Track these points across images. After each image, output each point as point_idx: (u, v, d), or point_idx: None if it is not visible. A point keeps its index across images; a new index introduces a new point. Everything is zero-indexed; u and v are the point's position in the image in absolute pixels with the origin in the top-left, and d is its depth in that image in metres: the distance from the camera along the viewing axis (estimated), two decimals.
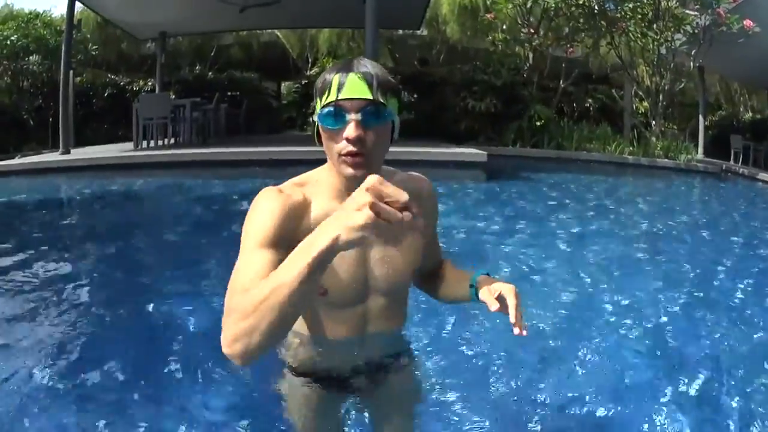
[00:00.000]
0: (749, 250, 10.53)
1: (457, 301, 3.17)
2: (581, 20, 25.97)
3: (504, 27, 28.86)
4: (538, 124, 25.27)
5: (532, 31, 27.05)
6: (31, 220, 11.36)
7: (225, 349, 2.19)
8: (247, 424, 4.06)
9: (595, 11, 25.40)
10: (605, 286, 7.29)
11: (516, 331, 2.58)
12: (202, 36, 35.81)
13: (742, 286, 7.82)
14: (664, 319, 6.26)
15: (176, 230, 10.37)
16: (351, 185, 2.63)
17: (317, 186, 2.85)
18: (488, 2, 31.01)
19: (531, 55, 28.00)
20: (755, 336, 6.09)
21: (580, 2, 25.15)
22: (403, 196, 1.93)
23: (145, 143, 19.28)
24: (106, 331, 5.40)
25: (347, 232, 1.93)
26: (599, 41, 27.38)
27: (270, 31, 37.19)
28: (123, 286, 6.94)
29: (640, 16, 25.42)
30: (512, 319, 2.60)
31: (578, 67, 29.73)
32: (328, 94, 2.60)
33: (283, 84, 37.09)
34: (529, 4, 25.92)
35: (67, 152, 18.01)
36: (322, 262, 2.03)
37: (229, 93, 29.54)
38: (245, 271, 2.42)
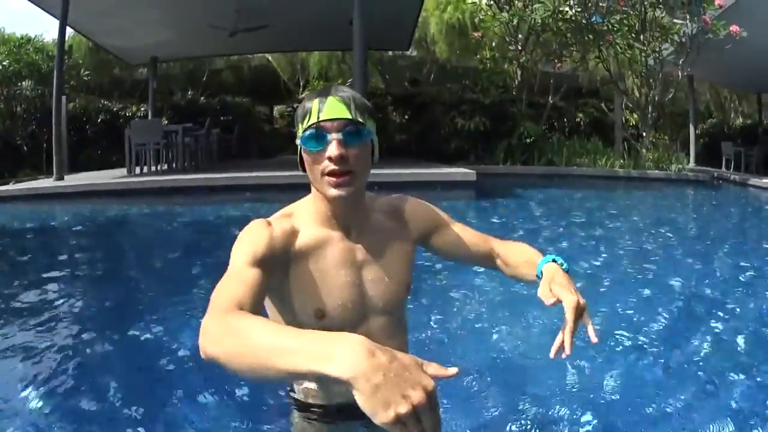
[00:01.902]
0: (740, 256, 10.60)
1: (525, 282, 3.12)
2: (569, 35, 26.05)
3: (492, 45, 29.04)
4: (527, 141, 25.27)
5: (519, 48, 27.13)
6: (23, 246, 11.39)
7: (201, 337, 2.12)
8: None
9: (583, 25, 25.45)
10: (595, 299, 7.11)
11: (552, 354, 2.55)
12: (194, 61, 35.87)
13: (736, 290, 7.97)
14: (657, 327, 6.32)
15: (168, 256, 10.38)
16: (337, 208, 2.83)
17: (304, 215, 2.91)
18: (476, 21, 31.19)
19: (519, 72, 27.99)
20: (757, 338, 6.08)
21: (567, 17, 25.27)
22: (430, 428, 1.58)
23: (138, 169, 19.35)
24: (96, 356, 5.42)
25: (362, 395, 1.56)
26: (587, 55, 27.34)
27: (261, 54, 37.31)
28: (114, 311, 7.00)
29: (627, 28, 25.41)
30: (557, 340, 2.56)
31: (567, 82, 29.88)
32: (309, 118, 2.67)
33: (275, 108, 37.10)
34: (515, 21, 25.96)
35: (61, 178, 18.00)
36: (311, 375, 1.70)
37: (221, 117, 29.59)
38: (235, 284, 2.40)
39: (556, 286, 2.67)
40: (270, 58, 37.87)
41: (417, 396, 1.55)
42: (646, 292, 7.65)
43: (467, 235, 3.32)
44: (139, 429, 4.06)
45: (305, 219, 2.90)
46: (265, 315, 2.79)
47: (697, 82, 35.61)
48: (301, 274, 2.78)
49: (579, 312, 2.58)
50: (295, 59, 37.61)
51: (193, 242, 11.74)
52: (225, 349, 2.00)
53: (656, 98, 26.61)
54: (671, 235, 13.06)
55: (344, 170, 2.69)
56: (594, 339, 2.54)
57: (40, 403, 4.34)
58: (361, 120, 2.72)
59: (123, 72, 35.32)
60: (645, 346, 5.66)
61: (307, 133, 2.66)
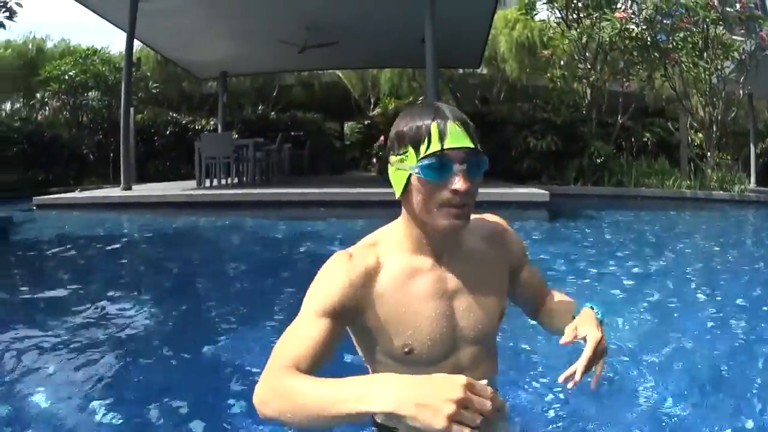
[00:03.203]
0: None
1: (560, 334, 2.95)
2: (635, 53, 25.95)
3: (562, 63, 28.95)
4: (598, 161, 25.03)
5: (589, 66, 26.98)
6: (92, 254, 11.45)
7: (254, 400, 2.26)
8: None
9: (648, 43, 25.32)
10: (664, 324, 6.97)
11: (560, 378, 2.54)
12: (264, 76, 35.99)
13: None
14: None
15: (237, 270, 10.35)
16: (436, 237, 2.71)
17: (391, 243, 2.80)
18: (545, 39, 31.16)
19: (589, 91, 27.83)
20: None
21: (634, 35, 25.13)
22: (486, 407, 1.88)
23: (207, 182, 19.51)
24: (163, 368, 5.37)
25: (414, 418, 1.87)
26: (653, 73, 27.23)
27: (331, 71, 37.35)
28: (179, 324, 6.95)
29: (690, 46, 25.25)
30: (570, 368, 2.54)
31: (634, 101, 29.61)
32: (429, 144, 2.50)
33: (346, 124, 37.12)
34: (584, 39, 25.84)
35: (129, 188, 18.17)
36: (366, 415, 1.99)
37: (292, 133, 29.69)
38: (299, 337, 2.44)
39: (583, 326, 2.70)
40: (340, 75, 37.89)
41: (456, 393, 1.85)
42: (713, 317, 7.32)
43: (537, 279, 3.27)
44: None
45: (393, 247, 2.79)
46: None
47: (756, 101, 35.25)
48: (388, 310, 2.66)
49: (599, 351, 2.61)
50: (365, 76, 37.66)
51: (260, 257, 11.67)
52: (278, 410, 2.19)
53: (719, 117, 26.48)
54: (738, 259, 12.62)
55: (465, 203, 2.60)
56: (593, 386, 2.63)
57: (102, 416, 4.28)
58: (480, 149, 2.62)
59: (191, 85, 35.58)
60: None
61: (428, 162, 2.51)
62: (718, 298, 8.39)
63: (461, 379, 1.89)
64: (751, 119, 33.99)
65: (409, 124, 2.59)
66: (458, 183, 2.49)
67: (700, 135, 30.01)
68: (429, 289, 2.75)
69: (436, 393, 1.85)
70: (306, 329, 2.45)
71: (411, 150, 2.55)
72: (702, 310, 7.62)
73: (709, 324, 6.98)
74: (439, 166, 2.49)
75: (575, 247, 13.29)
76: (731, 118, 27.96)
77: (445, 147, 2.48)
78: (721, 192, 24.47)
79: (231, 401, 4.56)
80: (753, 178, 31.94)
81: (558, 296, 3.22)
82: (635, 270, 10.34)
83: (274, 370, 2.31)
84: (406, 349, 2.65)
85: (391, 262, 2.72)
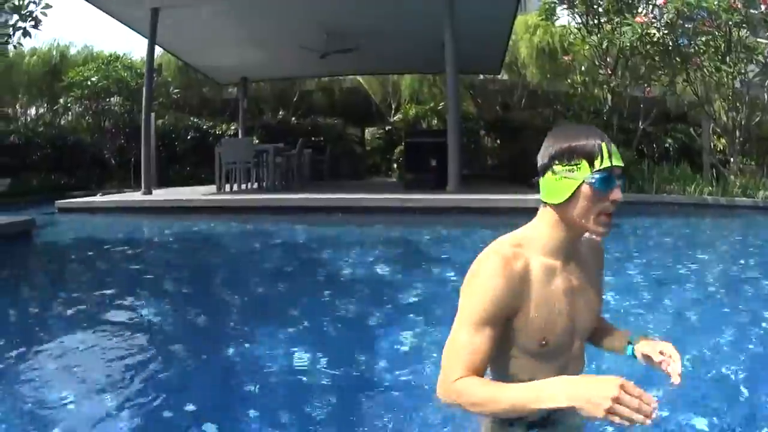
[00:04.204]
0: None
1: (611, 351, 3.41)
2: (656, 58, 25.88)
3: (582, 69, 28.83)
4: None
5: (609, 71, 26.99)
6: (112, 257, 11.56)
7: (443, 397, 2.71)
8: None
9: (670, 48, 25.27)
10: (683, 334, 7.00)
11: (677, 380, 2.88)
12: (284, 81, 36.10)
13: None
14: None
15: (257, 274, 10.40)
16: (576, 242, 3.05)
17: (535, 245, 2.98)
18: (565, 44, 31.17)
19: (610, 97, 27.78)
20: None
21: (655, 40, 25.01)
22: (633, 403, 2.36)
23: (227, 187, 19.56)
24: (181, 371, 5.48)
25: (582, 409, 2.39)
26: (675, 78, 27.01)
27: (352, 77, 37.51)
28: (196, 327, 7.08)
29: (713, 50, 25.10)
30: (677, 368, 2.93)
31: (656, 107, 29.49)
32: (602, 159, 2.78)
33: (366, 130, 37.12)
34: (605, 45, 25.70)
35: (149, 192, 18.35)
36: (538, 410, 2.53)
37: (312, 138, 29.75)
38: (468, 349, 2.73)
39: (653, 342, 3.12)
40: (361, 80, 37.92)
41: (613, 392, 2.31)
42: (733, 326, 7.26)
43: (601, 296, 3.50)
44: None
45: (536, 249, 2.99)
46: None
47: None
48: (531, 308, 2.88)
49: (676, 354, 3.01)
50: (386, 82, 37.70)
51: (279, 262, 11.71)
52: (468, 406, 2.66)
53: (743, 122, 26.25)
54: (759, 267, 12.44)
55: (614, 212, 2.90)
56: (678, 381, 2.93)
57: (119, 416, 4.42)
58: None
59: (212, 91, 35.73)
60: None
61: (601, 175, 2.80)
62: (740, 307, 8.31)
63: (617, 380, 2.36)
64: None
65: (581, 141, 2.83)
66: (618, 194, 2.81)
67: (723, 140, 29.75)
68: (562, 288, 3.00)
69: (599, 391, 2.35)
70: (474, 339, 2.73)
71: (585, 163, 2.80)
72: (724, 319, 7.54)
73: (729, 334, 6.94)
74: (609, 178, 2.79)
75: None
76: (756, 122, 27.80)
77: (614, 164, 2.79)
78: (744, 198, 24.11)
79: (246, 403, 4.73)
80: None
81: (608, 323, 3.53)
82: (654, 275, 10.46)
83: (456, 378, 2.68)
84: (543, 342, 2.90)
85: (534, 264, 2.92)
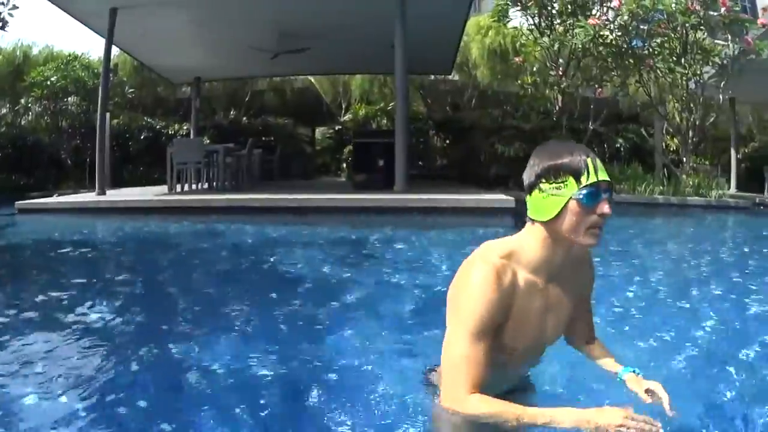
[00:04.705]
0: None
1: (602, 369, 3.72)
2: (609, 59, 25.91)
3: (534, 69, 29.03)
4: None
5: (560, 73, 27.11)
6: (63, 258, 11.54)
7: (450, 405, 2.99)
8: None
9: (623, 49, 25.41)
10: (626, 330, 6.99)
11: (671, 413, 3.15)
12: (237, 81, 36.05)
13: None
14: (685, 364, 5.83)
15: (205, 274, 10.44)
16: (564, 258, 3.26)
17: (521, 260, 3.20)
18: (517, 46, 31.25)
19: (560, 98, 27.88)
20: None
21: (608, 41, 25.17)
22: (654, 428, 2.75)
23: (179, 187, 19.60)
24: (128, 369, 5.46)
25: None
26: (628, 80, 27.23)
27: (303, 76, 37.45)
28: (145, 326, 7.06)
29: (668, 51, 25.27)
30: (666, 405, 3.17)
31: (608, 107, 29.68)
32: (588, 175, 3.02)
33: (317, 130, 37.15)
34: (556, 46, 25.92)
35: (103, 193, 18.32)
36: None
37: (263, 138, 29.75)
38: (470, 362, 2.96)
39: (642, 381, 3.38)
40: (312, 80, 37.98)
41: (618, 420, 2.71)
42: (677, 324, 7.24)
43: (590, 312, 3.89)
44: None
45: (522, 264, 3.20)
46: None
47: (739, 105, 35.36)
48: (511, 321, 3.11)
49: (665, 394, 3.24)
50: (337, 82, 37.74)
51: (227, 261, 11.82)
52: (473, 416, 2.92)
53: (697, 122, 26.39)
54: (705, 265, 12.74)
55: (603, 224, 3.12)
56: (672, 413, 3.18)
57: (67, 415, 4.38)
58: None
59: (166, 90, 35.60)
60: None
61: (588, 190, 3.01)
62: (684, 303, 8.57)
63: (622, 411, 2.76)
64: (732, 124, 34.33)
65: (566, 158, 3.06)
66: (606, 208, 3.03)
67: (676, 140, 30.12)
68: (540, 305, 3.25)
69: (607, 420, 2.73)
70: (474, 350, 2.97)
71: (572, 179, 3.03)
72: (663, 316, 7.71)
73: (672, 331, 6.96)
74: (596, 193, 3.02)
75: None
76: (711, 122, 27.92)
77: (600, 178, 3.03)
78: (697, 198, 24.40)
79: (194, 400, 4.78)
80: (733, 183, 32.24)
81: (604, 348, 3.83)
82: (598, 272, 10.62)
83: (465, 394, 2.94)
84: (511, 354, 3.19)
85: (521, 279, 3.16)
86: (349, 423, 4.21)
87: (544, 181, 3.10)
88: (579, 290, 3.61)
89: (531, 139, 25.08)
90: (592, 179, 3.02)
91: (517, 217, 16.39)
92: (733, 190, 30.99)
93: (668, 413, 3.14)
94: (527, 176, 3.21)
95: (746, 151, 39.61)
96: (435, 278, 9.66)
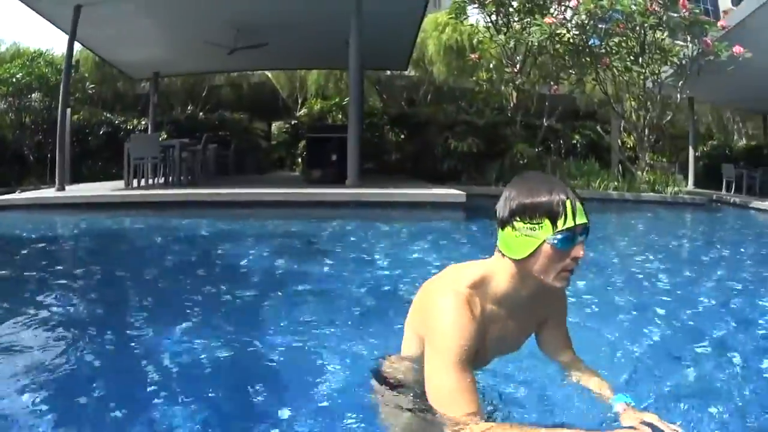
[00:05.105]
0: (732, 281, 10.25)
1: (588, 391, 3.59)
2: (566, 57, 26.26)
3: (491, 66, 29.47)
4: (521, 162, 25.41)
5: (515, 70, 27.37)
6: (21, 254, 11.53)
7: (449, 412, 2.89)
8: None
9: (580, 48, 25.67)
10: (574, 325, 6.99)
11: None
12: (194, 76, 36.03)
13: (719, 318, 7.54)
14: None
15: (157, 267, 10.48)
16: (530, 296, 3.28)
17: (487, 291, 3.23)
18: (474, 42, 31.58)
19: (515, 94, 28.24)
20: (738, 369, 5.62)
21: (565, 40, 25.47)
22: None
23: (135, 182, 19.65)
24: (85, 362, 5.47)
25: None
26: (583, 78, 27.49)
27: (260, 71, 37.52)
28: (102, 319, 7.00)
29: (626, 51, 25.49)
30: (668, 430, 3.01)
31: (565, 104, 30.04)
32: (566, 219, 2.99)
33: (273, 124, 37.20)
34: (512, 44, 26.19)
35: (62, 189, 18.35)
36: None
37: (219, 133, 29.86)
38: (462, 390, 2.91)
39: (636, 414, 3.18)
40: (269, 75, 38.12)
41: None
42: (624, 318, 7.50)
43: (566, 334, 3.86)
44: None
45: (487, 296, 3.24)
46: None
47: (698, 104, 35.82)
48: (477, 345, 3.10)
49: (662, 421, 3.06)
50: (294, 77, 37.87)
51: (181, 256, 11.87)
52: None
53: (654, 121, 26.77)
54: (657, 259, 12.96)
55: (575, 266, 3.12)
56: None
57: (27, 405, 4.44)
58: None
59: (126, 85, 35.53)
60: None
61: (563, 235, 3.00)
62: (621, 298, 8.68)
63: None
64: (691, 122, 34.73)
65: (544, 197, 3.02)
66: (580, 252, 3.04)
67: (633, 138, 30.45)
68: (498, 335, 3.32)
69: None
70: (464, 380, 2.93)
71: (547, 222, 3.00)
72: (612, 310, 7.85)
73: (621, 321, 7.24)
74: (571, 238, 3.01)
75: (489, 247, 13.62)
76: (667, 120, 28.09)
77: (576, 223, 3.01)
78: (652, 193, 24.78)
79: (149, 389, 4.78)
80: (691, 180, 32.76)
81: (590, 370, 3.74)
82: None
83: (468, 423, 2.84)
84: (482, 359, 3.34)
85: (488, 310, 3.21)
86: (294, 410, 4.32)
87: (518, 219, 3.07)
88: (539, 316, 3.68)
89: (484, 134, 25.71)
90: (569, 224, 3.00)
91: (469, 211, 16.85)
92: (690, 187, 31.57)
93: None
94: (500, 209, 3.16)
95: (705, 149, 40.07)
96: (379, 271, 9.96)
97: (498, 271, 3.22)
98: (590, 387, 3.56)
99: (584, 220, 3.04)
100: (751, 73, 24.66)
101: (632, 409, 3.25)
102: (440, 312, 3.07)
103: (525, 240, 3.05)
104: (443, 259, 11.49)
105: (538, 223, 3.00)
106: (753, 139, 43.51)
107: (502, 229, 3.14)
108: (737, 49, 22.74)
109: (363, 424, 3.71)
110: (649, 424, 2.97)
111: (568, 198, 3.02)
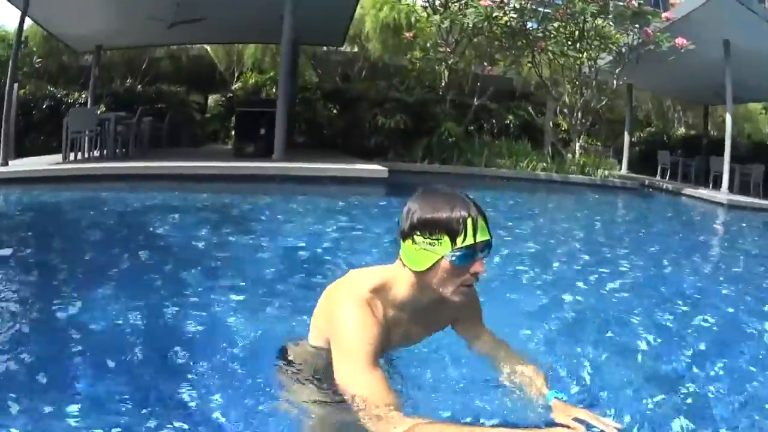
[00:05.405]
0: (653, 264, 11.20)
1: (515, 381, 3.64)
2: (503, 39, 26.76)
3: (428, 45, 29.84)
4: (449, 140, 25.73)
5: (449, 50, 27.77)
6: None
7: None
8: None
9: (517, 31, 26.20)
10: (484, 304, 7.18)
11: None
12: (136, 49, 35.98)
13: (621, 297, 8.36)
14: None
15: (88, 240, 10.86)
16: (429, 299, 3.36)
17: (388, 297, 3.34)
18: (412, 20, 32.09)
19: (446, 73, 28.65)
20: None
21: (502, 22, 25.96)
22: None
23: (72, 155, 19.67)
24: (16, 333, 5.69)
25: None
26: (518, 60, 28.09)
27: (200, 45, 37.79)
28: (37, 292, 7.27)
29: (564, 36, 26.16)
30: (604, 427, 3.03)
31: (502, 85, 30.56)
32: (465, 237, 3.04)
33: (210, 97, 37.41)
34: (445, 23, 26.47)
35: (6, 164, 18.31)
36: None
37: (156, 106, 29.73)
38: (380, 387, 2.97)
39: (570, 409, 3.22)
40: (208, 49, 38.42)
41: None
42: (534, 297, 7.93)
43: (480, 323, 3.99)
44: (50, 400, 4.36)
45: (388, 301, 3.34)
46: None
47: (638, 91, 36.57)
48: (381, 343, 3.21)
49: (596, 418, 3.12)
50: (231, 50, 38.09)
51: (108, 228, 12.12)
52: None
53: (589, 104, 27.59)
54: (576, 241, 13.75)
55: (474, 281, 3.22)
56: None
57: None
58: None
59: (70, 58, 35.52)
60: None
61: (462, 252, 3.06)
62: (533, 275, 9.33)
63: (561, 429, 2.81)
64: (628, 108, 35.29)
65: (444, 213, 3.06)
66: (479, 268, 3.11)
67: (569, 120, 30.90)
68: (403, 336, 3.51)
69: None
70: (377, 377, 3.00)
71: (447, 239, 3.05)
72: (521, 289, 8.45)
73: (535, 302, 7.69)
74: (471, 255, 3.07)
75: None
76: (603, 105, 28.77)
77: (477, 240, 3.06)
78: (581, 176, 25.39)
79: (76, 359, 5.09)
80: (625, 165, 33.46)
81: (520, 359, 3.78)
82: None
83: (398, 420, 2.85)
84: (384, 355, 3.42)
85: (390, 314, 3.33)
86: (204, 380, 4.62)
87: (418, 234, 3.11)
88: (455, 317, 3.83)
89: (413, 111, 26.00)
90: (469, 242, 3.04)
91: (391, 188, 17.25)
92: (624, 171, 32.36)
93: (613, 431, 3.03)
94: (402, 221, 3.20)
95: (642, 135, 41.04)
96: (294, 243, 10.69)
97: (399, 279, 3.31)
98: (521, 381, 3.61)
99: (486, 237, 3.11)
100: (693, 65, 25.38)
101: (564, 404, 3.29)
102: (344, 315, 3.16)
103: (424, 254, 3.12)
104: (361, 232, 12.39)
105: (437, 239, 3.07)
106: (693, 129, 44.15)
107: (404, 240, 3.21)
108: (680, 40, 23.47)
109: (269, 394, 3.87)
110: (582, 421, 3.05)
111: (469, 216, 3.05)
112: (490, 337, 3.92)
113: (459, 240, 3.03)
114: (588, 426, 3.00)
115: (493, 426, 3.10)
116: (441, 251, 3.06)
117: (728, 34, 23.95)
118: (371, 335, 3.08)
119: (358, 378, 2.98)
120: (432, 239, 3.07)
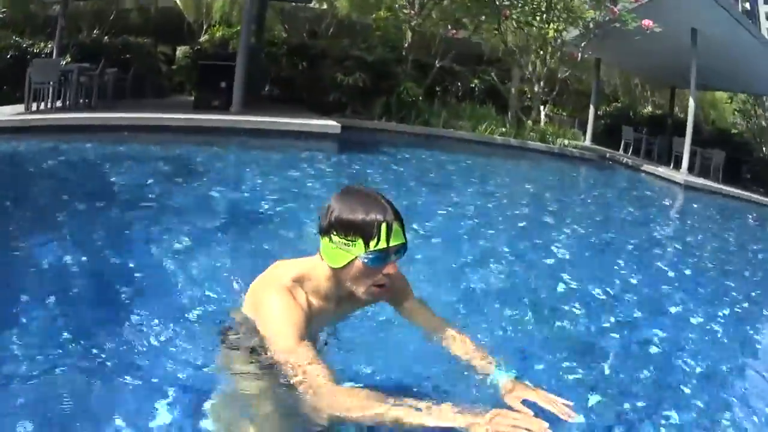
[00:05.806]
0: (596, 233, 11.79)
1: (460, 361, 3.73)
2: (469, 4, 27.29)
3: (396, 6, 30.27)
4: (409, 100, 26.13)
5: (413, 12, 28.37)
6: None
7: (329, 409, 2.99)
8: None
9: None
10: (425, 262, 7.70)
11: (571, 418, 3.16)
12: (104, 0, 36.08)
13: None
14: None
15: (41, 189, 11.13)
16: (342, 295, 3.54)
17: (309, 287, 3.47)
18: None
19: (410, 35, 29.18)
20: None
21: None
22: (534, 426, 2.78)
23: (34, 106, 19.72)
24: None
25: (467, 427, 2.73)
26: (482, 26, 28.87)
27: None
28: None
29: (532, 7, 26.64)
30: (554, 408, 3.18)
31: (470, 49, 31.05)
32: (378, 241, 3.15)
33: (178, 49, 37.49)
34: None
35: None
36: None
37: (122, 57, 29.64)
38: (313, 362, 3.08)
39: (520, 392, 3.31)
40: (177, 1, 38.57)
41: (486, 420, 2.74)
42: (472, 257, 8.45)
43: (423, 309, 4.08)
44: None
45: (310, 292, 3.48)
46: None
47: (607, 67, 37.38)
48: (306, 328, 3.31)
49: (547, 398, 3.26)
50: (200, 3, 38.42)
51: (66, 178, 12.39)
52: (357, 418, 2.92)
53: (555, 74, 28.56)
54: (519, 205, 14.16)
55: (388, 280, 3.36)
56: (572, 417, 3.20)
57: None
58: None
59: (37, 7, 35.33)
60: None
61: (374, 255, 3.19)
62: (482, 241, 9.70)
63: (489, 415, 2.76)
64: (594, 82, 35.77)
65: (360, 216, 3.16)
66: (391, 270, 3.25)
67: (536, 88, 31.40)
68: (324, 322, 3.71)
69: (483, 420, 2.70)
70: (309, 354, 3.11)
71: (361, 241, 3.16)
72: (462, 248, 8.91)
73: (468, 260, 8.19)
74: (383, 258, 3.19)
75: (354, 177, 14.43)
76: (568, 75, 29.49)
77: (390, 245, 3.16)
78: (539, 143, 26.00)
79: (24, 297, 5.36)
80: (589, 136, 34.06)
81: (463, 337, 3.84)
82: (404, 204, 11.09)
83: (332, 389, 3.01)
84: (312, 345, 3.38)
85: (312, 303, 3.45)
86: (151, 321, 4.83)
87: (335, 233, 3.23)
88: (382, 300, 3.92)
89: (373, 70, 26.23)
90: (382, 246, 3.16)
91: (343, 144, 17.85)
92: (588, 143, 32.95)
93: (568, 419, 3.14)
94: (322, 218, 3.31)
95: (608, 109, 41.71)
96: (244, 195, 11.20)
97: (319, 271, 3.45)
98: (466, 358, 3.70)
99: (400, 241, 3.23)
100: (662, 49, 26.28)
101: (513, 382, 3.39)
102: (268, 301, 3.32)
103: (340, 252, 3.25)
104: (308, 182, 12.94)
105: (352, 241, 3.19)
106: (659, 108, 44.94)
107: (322, 237, 3.33)
108: (646, 22, 24.18)
109: (209, 353, 4.03)
110: (533, 404, 3.15)
111: (384, 221, 3.15)
112: (427, 314, 4.05)
113: (372, 243, 3.15)
114: (538, 408, 3.10)
115: (431, 403, 2.93)
116: (355, 252, 3.20)
117: (696, 23, 24.73)
118: (295, 315, 3.23)
119: (288, 356, 3.11)
120: (347, 240, 3.19)
